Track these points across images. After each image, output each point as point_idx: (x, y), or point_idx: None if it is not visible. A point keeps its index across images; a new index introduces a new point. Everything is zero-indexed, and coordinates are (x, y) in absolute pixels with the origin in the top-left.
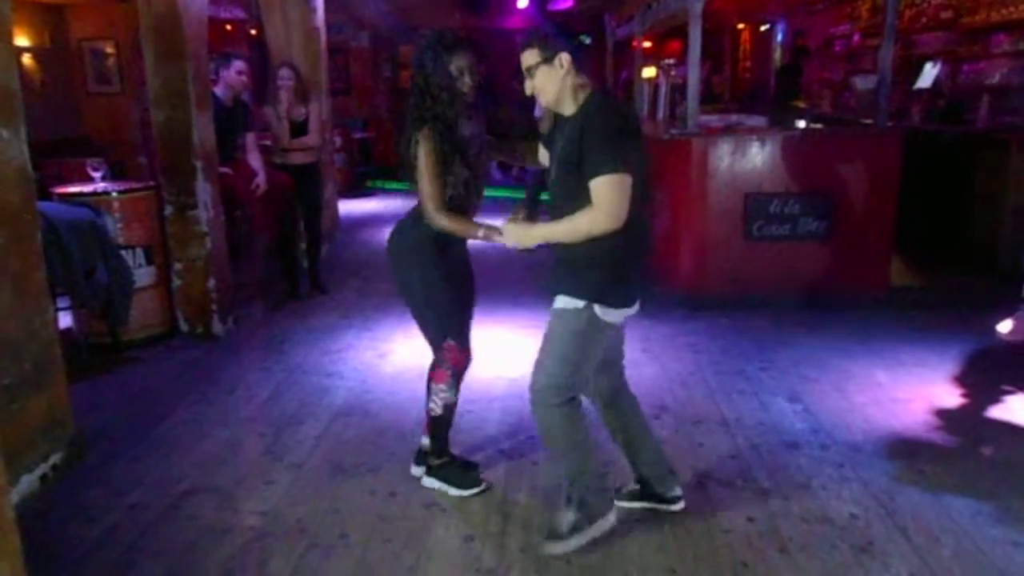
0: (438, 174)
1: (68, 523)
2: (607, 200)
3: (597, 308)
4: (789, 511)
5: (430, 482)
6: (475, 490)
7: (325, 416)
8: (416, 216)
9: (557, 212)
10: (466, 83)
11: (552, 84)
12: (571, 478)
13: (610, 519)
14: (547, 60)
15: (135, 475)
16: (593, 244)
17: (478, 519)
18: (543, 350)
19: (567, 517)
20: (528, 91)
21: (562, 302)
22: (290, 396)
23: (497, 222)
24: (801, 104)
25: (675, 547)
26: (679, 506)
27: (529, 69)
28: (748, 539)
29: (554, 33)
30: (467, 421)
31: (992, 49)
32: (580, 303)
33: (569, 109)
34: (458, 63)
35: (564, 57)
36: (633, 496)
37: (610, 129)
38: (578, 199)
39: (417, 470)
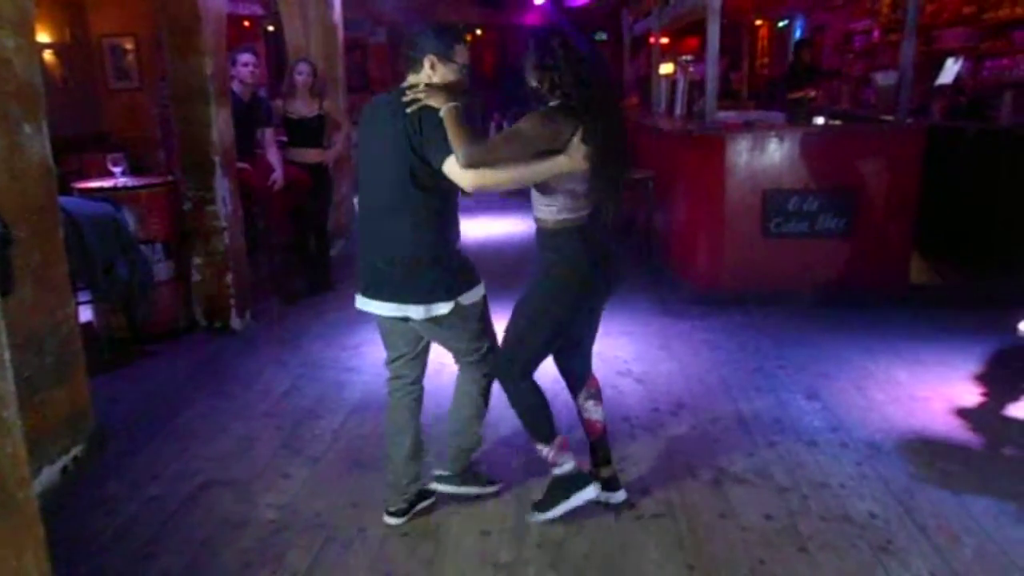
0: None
1: (89, 514)
2: None
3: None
4: (807, 509)
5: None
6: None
7: (342, 411)
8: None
9: None
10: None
11: None
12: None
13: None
14: None
15: (154, 468)
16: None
17: (495, 513)
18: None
19: None
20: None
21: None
22: (307, 391)
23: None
24: (800, 94)
25: (692, 543)
26: None
27: None
28: (766, 537)
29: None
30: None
31: (1015, 44)
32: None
33: None
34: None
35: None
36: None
37: None
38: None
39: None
